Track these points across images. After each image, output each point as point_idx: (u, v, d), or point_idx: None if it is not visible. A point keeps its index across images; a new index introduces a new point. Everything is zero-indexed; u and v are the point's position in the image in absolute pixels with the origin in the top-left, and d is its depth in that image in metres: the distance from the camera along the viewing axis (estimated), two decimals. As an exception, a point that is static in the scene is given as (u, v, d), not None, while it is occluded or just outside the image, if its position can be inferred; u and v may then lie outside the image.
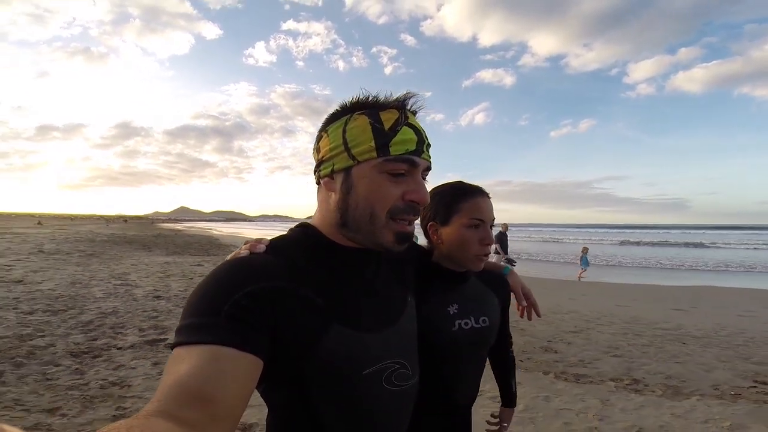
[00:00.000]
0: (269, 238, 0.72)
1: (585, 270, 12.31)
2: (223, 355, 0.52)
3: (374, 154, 0.65)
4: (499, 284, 1.11)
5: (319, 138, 0.72)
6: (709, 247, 27.85)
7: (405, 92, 0.69)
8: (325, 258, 0.70)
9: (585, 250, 12.71)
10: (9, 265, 9.34)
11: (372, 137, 0.65)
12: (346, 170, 0.67)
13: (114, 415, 2.60)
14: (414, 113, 0.71)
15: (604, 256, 20.61)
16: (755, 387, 3.63)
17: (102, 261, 11.33)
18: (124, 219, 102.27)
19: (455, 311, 0.99)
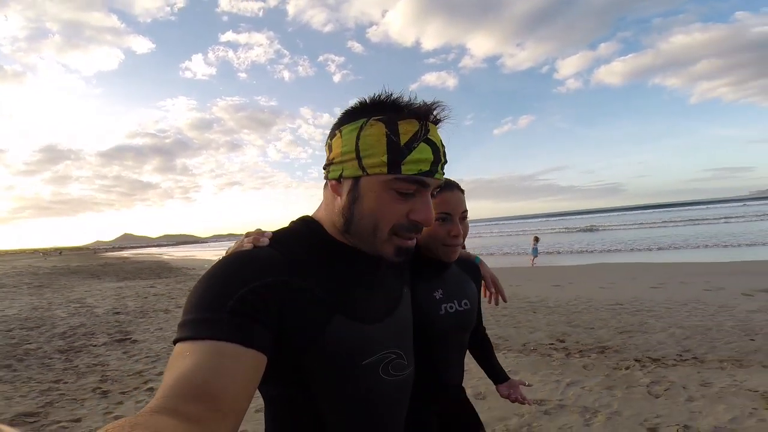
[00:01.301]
0: (272, 231, 0.72)
1: (535, 257, 13.25)
2: (228, 352, 0.52)
3: (385, 169, 0.63)
4: (473, 271, 1.19)
5: (332, 135, 0.71)
6: (602, 230, 31.32)
7: (431, 101, 0.66)
8: (326, 251, 0.71)
9: (536, 240, 13.59)
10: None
11: (385, 150, 0.63)
12: (355, 179, 0.66)
13: (99, 380, 3.83)
14: (436, 123, 0.68)
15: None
16: (552, 344, 4.33)
17: (54, 290, 11.87)
18: (59, 251, 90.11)
19: (440, 296, 1.04)
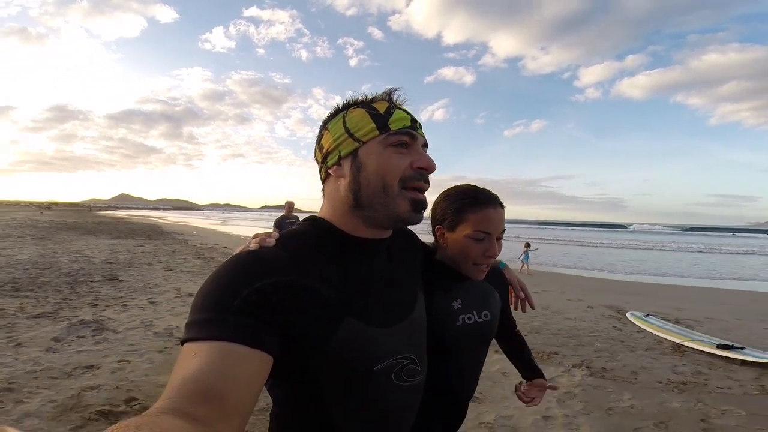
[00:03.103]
0: (277, 232, 0.72)
1: (525, 265, 12.44)
2: (233, 352, 0.52)
3: (377, 132, 0.70)
4: (498, 279, 1.13)
5: (320, 138, 0.76)
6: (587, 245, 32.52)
7: (389, 88, 0.76)
8: (336, 250, 0.71)
9: (527, 246, 13.01)
10: (-25, 245, 11.52)
11: (371, 121, 0.70)
12: (353, 153, 0.71)
13: (93, 299, 5.55)
14: (401, 106, 0.76)
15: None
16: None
17: (55, 242, 13.59)
18: (45, 206, 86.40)
19: (459, 306, 0.99)
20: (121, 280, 7.20)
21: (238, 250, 0.67)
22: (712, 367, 4.11)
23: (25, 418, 2.49)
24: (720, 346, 4.46)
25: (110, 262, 9.34)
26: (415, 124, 0.74)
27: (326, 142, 0.74)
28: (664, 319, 6.10)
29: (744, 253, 24.49)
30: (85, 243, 13.81)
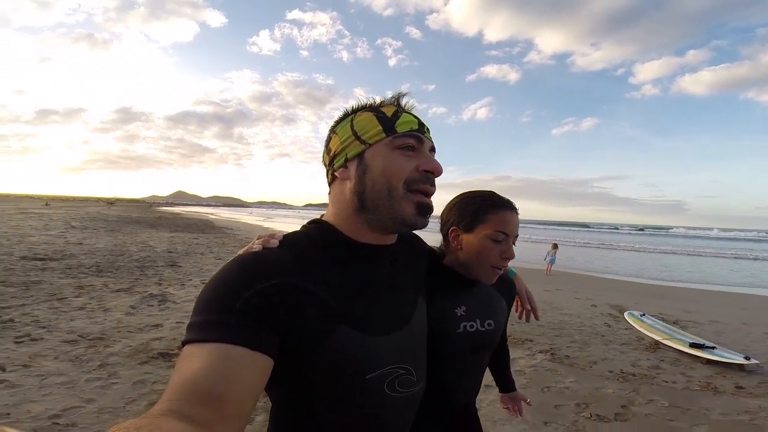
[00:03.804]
0: (282, 233, 0.72)
1: (551, 265, 12.43)
2: (234, 354, 0.52)
3: (383, 135, 0.70)
4: (507, 287, 1.12)
5: (328, 141, 0.77)
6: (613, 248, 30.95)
7: (398, 92, 0.76)
8: (338, 254, 0.71)
9: (554, 247, 12.83)
10: (61, 234, 13.57)
11: (378, 124, 0.70)
12: (359, 155, 0.71)
13: (158, 280, 6.81)
14: (405, 109, 0.76)
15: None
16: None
17: (123, 234, 15.59)
18: (110, 202, 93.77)
19: (462, 313, 0.99)
20: (179, 266, 8.64)
21: (241, 251, 0.66)
22: (675, 364, 4.40)
23: (110, 356, 3.60)
24: (692, 345, 4.74)
25: (170, 252, 10.93)
26: (422, 127, 0.73)
27: (334, 145, 0.74)
28: (662, 320, 6.35)
29: None
30: (149, 235, 15.73)
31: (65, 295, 5.54)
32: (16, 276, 6.40)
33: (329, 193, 0.78)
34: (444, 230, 1.04)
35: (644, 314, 6.50)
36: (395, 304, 0.75)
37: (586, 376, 3.93)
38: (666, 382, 3.91)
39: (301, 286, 0.63)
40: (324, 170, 0.80)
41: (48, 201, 69.98)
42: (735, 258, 23.43)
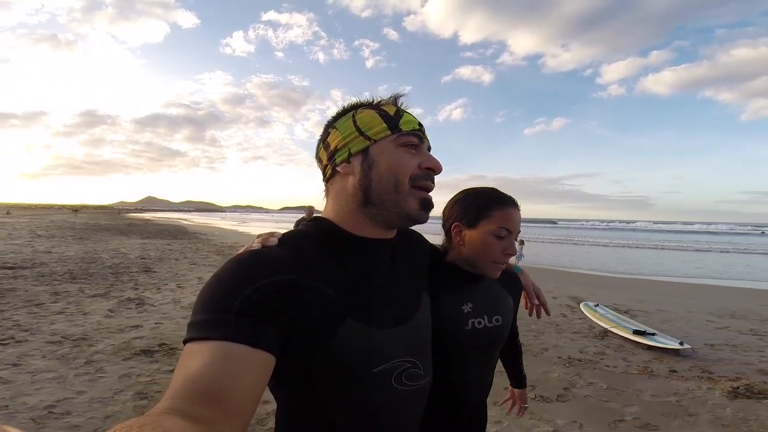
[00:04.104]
0: (281, 232, 0.73)
1: (518, 260, 13.58)
2: (235, 352, 0.53)
3: (388, 132, 0.72)
4: (512, 283, 1.13)
5: (326, 135, 0.77)
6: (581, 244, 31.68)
7: (395, 93, 0.79)
8: (339, 249, 0.71)
9: (521, 243, 13.87)
10: (28, 242, 13.36)
11: (382, 121, 0.72)
12: (364, 151, 0.72)
13: (133, 285, 6.96)
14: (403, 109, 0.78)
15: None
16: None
17: (93, 242, 15.40)
18: (75, 209, 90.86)
19: (469, 310, 0.99)
20: (154, 271, 8.79)
21: (241, 250, 0.67)
22: (619, 350, 4.69)
23: (94, 354, 3.83)
24: (635, 332, 5.02)
25: (143, 258, 10.99)
26: (421, 127, 0.76)
27: (334, 140, 0.74)
28: (615, 310, 6.79)
29: (741, 252, 24.40)
30: (120, 242, 15.61)
31: (42, 301, 5.68)
32: (-12, 285, 6.44)
33: (326, 189, 0.79)
34: (446, 226, 1.04)
35: (598, 305, 6.86)
36: (399, 297, 0.75)
37: (536, 362, 4.21)
38: (608, 366, 4.20)
39: (301, 283, 0.63)
40: (318, 167, 0.80)
41: (8, 209, 67.12)
42: (688, 251, 24.75)
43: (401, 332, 0.72)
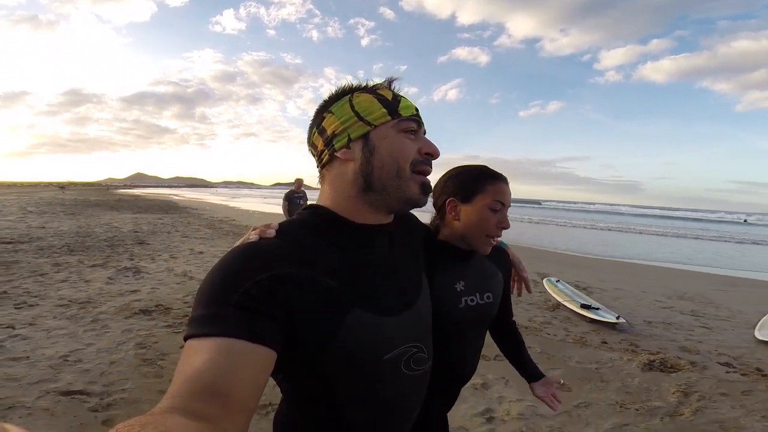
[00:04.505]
0: (278, 223, 0.73)
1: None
2: (236, 348, 0.53)
3: (388, 117, 0.72)
4: (502, 259, 1.16)
5: (320, 120, 0.76)
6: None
7: (389, 77, 0.77)
8: (338, 238, 0.71)
9: None
10: (20, 218, 13.71)
11: (381, 106, 0.72)
12: (364, 136, 0.72)
13: (129, 256, 7.50)
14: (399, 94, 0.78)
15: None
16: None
17: (85, 217, 15.78)
18: (61, 186, 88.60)
19: (462, 288, 1.02)
20: (148, 243, 9.35)
21: (237, 243, 0.67)
22: (564, 321, 5.10)
23: (99, 314, 4.41)
24: (582, 306, 5.39)
25: (136, 231, 11.52)
26: (418, 112, 0.77)
27: (330, 126, 0.74)
28: (575, 286, 7.24)
29: (715, 239, 24.83)
30: (111, 217, 16.04)
31: (45, 271, 6.21)
32: (-10, 257, 6.95)
33: (321, 175, 0.78)
34: (439, 202, 1.06)
35: (559, 280, 7.32)
36: (401, 283, 0.77)
37: (485, 326, 4.91)
38: (549, 334, 4.61)
39: (302, 275, 0.62)
40: (311, 152, 0.79)
41: (-6, 185, 66.47)
42: (666, 236, 25.46)
43: (406, 317, 0.74)
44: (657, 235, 25.95)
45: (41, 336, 3.76)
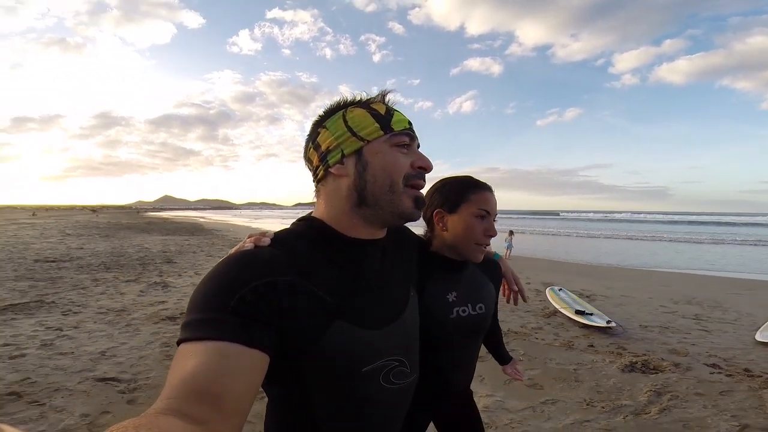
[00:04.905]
0: (273, 230, 0.74)
1: (509, 251, 13.83)
2: (230, 352, 0.54)
3: (381, 132, 0.72)
4: (493, 270, 1.19)
5: (315, 136, 0.77)
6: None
7: (382, 90, 0.79)
8: (330, 250, 0.73)
9: (511, 234, 14.26)
10: (60, 240, 14.89)
11: (374, 121, 0.73)
12: (357, 152, 0.73)
13: (158, 273, 8.26)
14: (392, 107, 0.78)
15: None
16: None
17: (118, 239, 16.94)
18: (92, 209, 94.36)
19: (454, 299, 1.03)
20: (175, 262, 10.22)
21: (232, 250, 0.68)
22: (557, 326, 5.15)
23: (132, 320, 5.08)
24: (577, 312, 5.51)
25: (165, 252, 12.48)
26: (411, 126, 0.77)
27: (324, 141, 0.75)
28: (579, 294, 7.13)
29: (739, 243, 24.01)
30: (142, 239, 17.16)
31: (86, 285, 7.05)
32: (39, 274, 7.89)
33: (317, 190, 0.79)
34: (428, 214, 1.08)
35: (561, 289, 7.32)
36: (388, 297, 0.78)
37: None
38: (537, 338, 4.65)
39: (295, 283, 0.64)
40: (306, 167, 0.81)
41: (34, 211, 70.74)
42: (689, 242, 24.75)
43: (390, 331, 0.74)
44: (679, 242, 25.39)
45: (84, 336, 4.44)
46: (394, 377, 0.74)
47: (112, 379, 3.40)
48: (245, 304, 0.58)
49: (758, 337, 4.92)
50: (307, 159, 0.80)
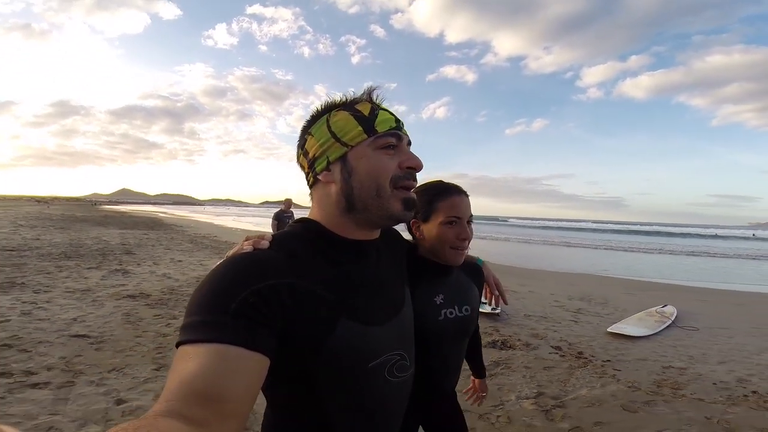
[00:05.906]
0: (271, 234, 0.74)
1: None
2: (231, 354, 0.54)
3: (364, 136, 0.72)
4: (476, 274, 1.23)
5: (303, 143, 0.79)
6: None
7: (368, 86, 0.78)
8: (328, 251, 0.74)
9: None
10: (14, 231, 15.19)
11: (357, 124, 0.73)
12: (342, 158, 0.73)
13: (118, 262, 9.13)
14: (379, 105, 0.79)
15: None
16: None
17: (75, 231, 17.32)
18: (43, 200, 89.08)
19: (441, 301, 1.08)
20: (134, 254, 11.06)
21: (230, 252, 0.68)
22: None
23: (97, 297, 6.06)
24: (492, 310, 5.96)
25: (124, 244, 13.23)
26: (399, 123, 0.77)
27: (311, 148, 0.76)
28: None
29: (648, 252, 26.23)
30: (99, 232, 17.64)
31: (50, 271, 7.90)
32: (2, 261, 8.58)
33: (311, 195, 0.81)
34: (407, 224, 1.12)
35: None
36: (387, 294, 0.81)
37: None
38: None
39: (296, 285, 0.65)
40: (300, 171, 0.82)
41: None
42: (617, 250, 26.74)
43: (391, 327, 0.78)
44: (613, 249, 27.54)
45: (57, 308, 5.44)
46: (397, 371, 0.77)
47: (84, 336, 4.46)
48: (246, 306, 0.58)
49: (609, 328, 5.65)
50: (299, 164, 0.82)
